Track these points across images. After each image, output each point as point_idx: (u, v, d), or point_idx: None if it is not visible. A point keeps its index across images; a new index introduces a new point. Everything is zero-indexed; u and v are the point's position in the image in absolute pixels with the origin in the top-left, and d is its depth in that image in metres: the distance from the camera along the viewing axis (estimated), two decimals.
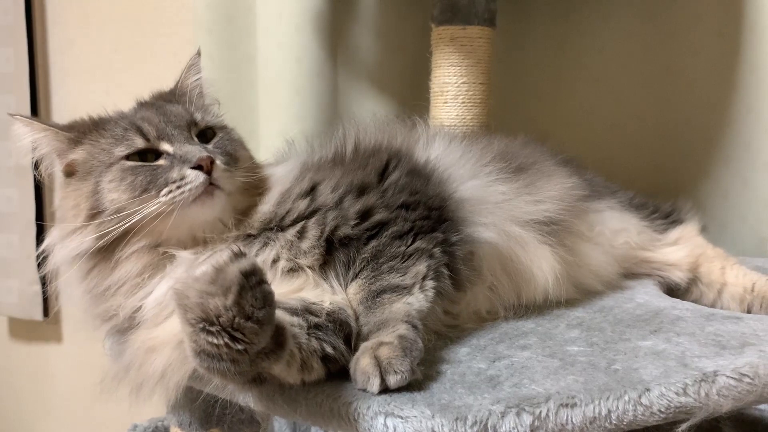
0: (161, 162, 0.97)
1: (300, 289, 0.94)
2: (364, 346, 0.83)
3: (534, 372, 0.88)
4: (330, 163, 1.09)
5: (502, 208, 1.10)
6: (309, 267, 0.96)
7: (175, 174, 0.94)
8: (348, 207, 0.98)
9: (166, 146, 0.98)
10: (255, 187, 1.03)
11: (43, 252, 1.00)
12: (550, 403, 0.79)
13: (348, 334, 0.88)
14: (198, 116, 1.05)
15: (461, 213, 1.04)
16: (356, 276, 0.96)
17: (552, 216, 1.15)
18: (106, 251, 0.95)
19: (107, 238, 0.93)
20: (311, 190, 1.01)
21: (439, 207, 1.02)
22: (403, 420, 0.75)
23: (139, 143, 0.98)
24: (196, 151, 0.95)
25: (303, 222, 0.98)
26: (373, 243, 0.97)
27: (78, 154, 1.00)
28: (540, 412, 0.78)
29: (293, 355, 0.79)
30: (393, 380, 0.78)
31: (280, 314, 0.79)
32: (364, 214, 0.98)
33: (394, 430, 0.75)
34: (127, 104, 1.08)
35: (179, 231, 0.95)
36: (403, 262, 0.96)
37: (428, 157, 1.11)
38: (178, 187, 0.92)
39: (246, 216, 1.00)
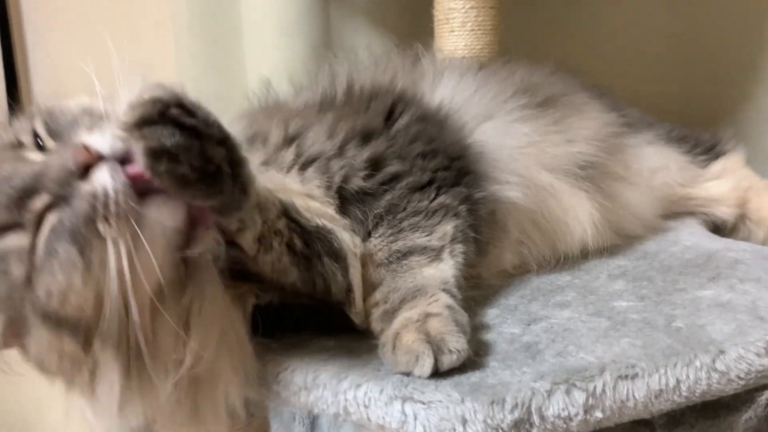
0: (53, 216, 0.66)
1: (306, 199, 0.83)
2: (404, 318, 0.74)
3: (579, 336, 0.78)
4: (316, 108, 0.99)
5: (527, 153, 1.02)
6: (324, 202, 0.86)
7: (83, 204, 0.65)
8: (354, 155, 0.89)
9: (33, 202, 0.67)
10: None
11: None
12: (605, 375, 0.69)
13: (336, 252, 0.80)
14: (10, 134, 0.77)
15: (482, 167, 0.97)
16: (371, 234, 0.87)
17: (587, 158, 1.06)
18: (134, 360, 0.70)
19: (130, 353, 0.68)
20: (294, 138, 0.90)
21: (459, 157, 0.94)
22: (426, 406, 0.65)
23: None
24: (61, 158, 0.67)
25: (297, 169, 0.87)
26: (388, 196, 0.88)
27: None
28: (594, 388, 0.68)
29: (253, 220, 0.72)
30: (447, 360, 0.68)
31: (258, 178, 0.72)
32: (375, 164, 0.89)
33: (415, 418, 0.65)
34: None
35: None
36: (428, 220, 0.88)
37: (441, 100, 1.03)
38: (106, 207, 0.65)
39: None
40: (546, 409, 0.65)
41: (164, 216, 0.66)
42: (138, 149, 0.61)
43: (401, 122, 0.95)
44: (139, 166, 0.62)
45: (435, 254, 0.85)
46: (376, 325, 0.80)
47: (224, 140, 0.65)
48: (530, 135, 1.03)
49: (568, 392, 0.67)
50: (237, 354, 0.75)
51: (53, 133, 0.73)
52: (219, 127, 0.65)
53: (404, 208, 0.88)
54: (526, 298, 0.93)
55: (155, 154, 0.60)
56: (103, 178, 0.65)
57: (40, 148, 0.72)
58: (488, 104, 1.04)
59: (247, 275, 0.79)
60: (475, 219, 0.92)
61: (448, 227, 0.88)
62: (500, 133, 1.02)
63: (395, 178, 0.89)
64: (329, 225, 0.81)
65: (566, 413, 0.66)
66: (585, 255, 1.07)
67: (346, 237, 0.83)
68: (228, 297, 0.76)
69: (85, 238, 0.64)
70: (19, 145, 0.73)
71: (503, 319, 0.85)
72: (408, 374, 0.69)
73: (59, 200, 0.65)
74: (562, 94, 1.15)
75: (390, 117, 0.96)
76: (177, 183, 0.61)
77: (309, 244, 0.78)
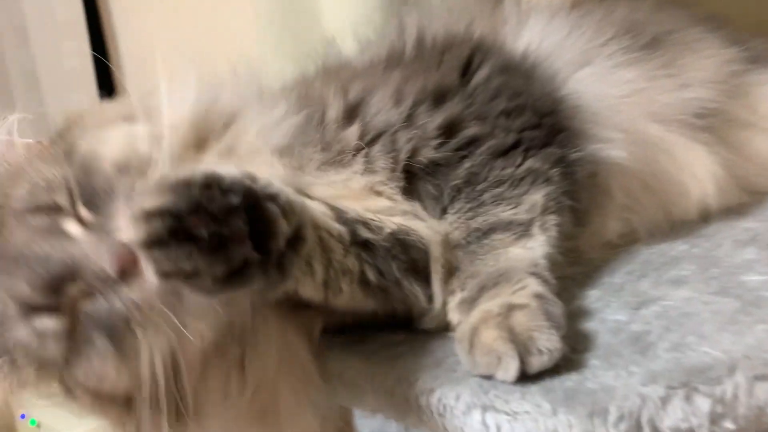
0: (89, 304, 0.66)
1: (372, 199, 0.78)
2: (483, 311, 0.66)
3: (700, 322, 0.67)
4: (382, 66, 0.90)
5: (632, 103, 0.92)
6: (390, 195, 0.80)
7: (121, 306, 0.64)
8: (425, 121, 0.80)
9: (70, 288, 0.65)
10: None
11: None
12: (736, 375, 0.57)
13: (415, 261, 0.73)
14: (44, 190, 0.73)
15: (578, 123, 0.87)
16: (446, 210, 0.79)
17: (704, 104, 0.95)
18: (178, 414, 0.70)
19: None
20: (356, 108, 0.81)
21: (550, 112, 0.85)
22: (511, 417, 0.57)
23: (33, 302, 0.67)
24: (97, 253, 0.65)
25: (363, 152, 0.79)
26: (467, 164, 0.79)
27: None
28: (723, 393, 0.56)
29: (312, 270, 0.66)
30: (536, 362, 0.60)
31: (315, 210, 0.67)
32: (449, 129, 0.80)
33: (498, 430, 0.57)
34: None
35: None
36: (513, 189, 0.79)
37: (527, 46, 0.94)
38: (144, 315, 0.65)
39: None
40: (660, 421, 0.54)
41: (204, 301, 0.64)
42: (149, 269, 0.56)
43: (480, 75, 0.86)
44: None
45: (522, 230, 0.77)
46: (452, 316, 0.72)
47: (261, 225, 0.59)
48: (635, 81, 0.93)
49: (688, 398, 0.55)
50: (301, 384, 0.72)
51: (89, 201, 0.68)
52: (248, 196, 0.58)
53: (485, 178, 0.79)
54: (633, 274, 0.82)
55: (170, 276, 0.56)
56: (143, 288, 0.63)
57: (77, 214, 0.68)
58: (584, 48, 0.94)
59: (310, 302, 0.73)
60: (570, 184, 0.83)
61: (537, 196, 0.79)
62: (599, 82, 0.92)
63: (474, 142, 0.81)
64: (404, 223, 0.75)
65: (686, 425, 0.55)
66: (705, 218, 0.96)
67: (423, 228, 0.76)
68: (289, 326, 0.73)
69: (121, 334, 0.64)
70: (56, 209, 0.69)
71: (606, 303, 0.74)
72: (489, 377, 0.61)
73: (96, 291, 0.64)
74: (671, 31, 1.03)
75: (467, 71, 0.87)
76: (198, 290, 0.58)
77: (383, 272, 0.71)
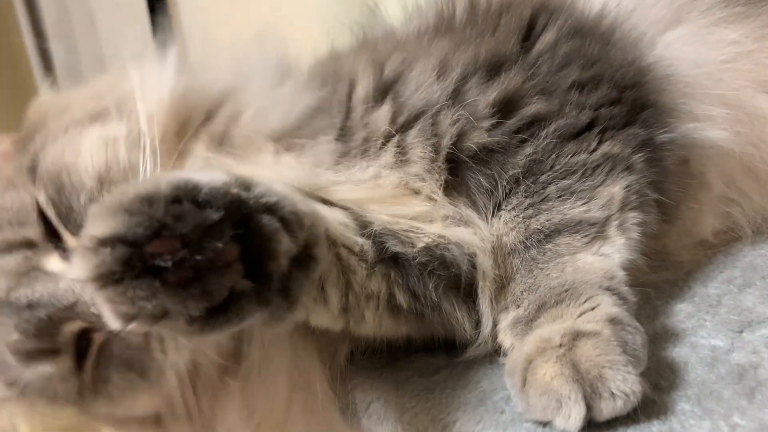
0: (100, 338, 0.64)
1: (406, 201, 0.68)
2: (541, 338, 0.57)
3: None
4: (429, 35, 0.81)
5: (735, 69, 0.80)
6: (430, 194, 0.70)
7: (134, 337, 0.63)
8: (475, 98, 0.70)
9: (67, 327, 0.63)
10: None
11: None
12: None
13: (458, 278, 0.65)
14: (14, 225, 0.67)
15: (668, 97, 0.77)
16: (499, 206, 0.70)
17: None
18: None
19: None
20: (390, 86, 0.72)
21: (633, 84, 0.74)
22: None
23: (29, 349, 0.64)
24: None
25: (395, 140, 0.69)
26: (528, 150, 0.69)
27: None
28: None
29: (325, 297, 0.60)
30: (608, 409, 0.51)
31: (331, 221, 0.60)
32: (506, 106, 0.70)
33: None
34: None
35: None
36: (585, 180, 0.69)
37: (603, 3, 0.82)
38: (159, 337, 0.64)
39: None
40: None
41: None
42: (105, 311, 0.45)
43: (545, 41, 0.75)
44: None
45: (596, 231, 0.67)
46: (503, 337, 0.63)
47: (252, 235, 0.49)
48: (740, 43, 0.80)
49: None
50: (315, 415, 0.66)
51: (67, 220, 0.62)
52: (235, 205, 0.47)
53: (551, 166, 0.70)
54: (734, 283, 0.71)
55: (132, 319, 0.45)
56: None
57: (56, 245, 0.63)
58: (673, 4, 0.82)
59: None
60: (657, 173, 0.73)
61: (616, 188, 0.69)
62: (694, 44, 0.81)
63: (537, 122, 0.71)
64: (444, 233, 0.66)
65: None
66: None
67: (468, 237, 0.66)
68: (306, 347, 0.66)
69: (141, 363, 0.62)
70: (28, 245, 0.63)
71: (699, 322, 0.65)
72: (546, 424, 0.53)
73: (98, 326, 0.60)
74: None
75: (529, 35, 0.77)
76: (180, 333, 0.50)
77: (417, 294, 0.64)
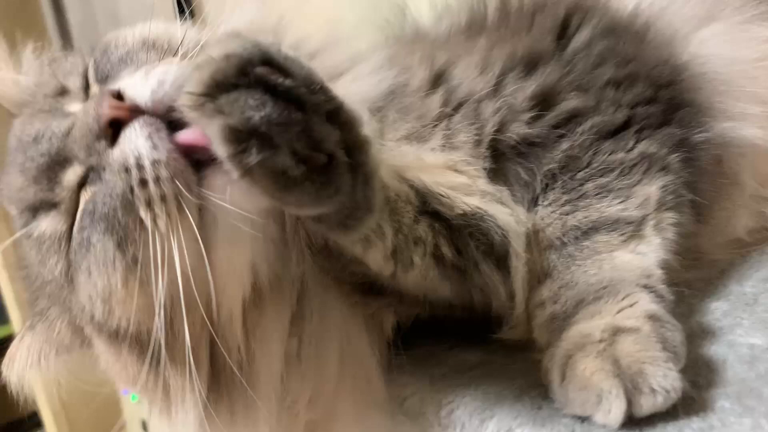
0: (88, 193, 0.55)
1: (447, 175, 0.67)
2: (580, 333, 0.57)
3: None
4: (463, 35, 0.82)
5: None
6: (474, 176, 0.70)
7: (116, 180, 0.52)
8: (514, 91, 0.71)
9: (66, 174, 0.57)
10: None
11: None
12: None
13: (494, 246, 0.65)
14: (62, 76, 0.64)
15: (703, 96, 0.76)
16: (536, 200, 0.70)
17: None
18: (221, 376, 0.59)
19: (193, 368, 0.55)
20: (440, 76, 0.73)
21: (669, 83, 0.74)
22: None
23: (31, 199, 0.58)
24: (84, 113, 0.54)
25: (444, 123, 0.70)
26: (565, 145, 0.69)
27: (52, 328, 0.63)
28: None
29: (380, 231, 0.58)
30: (648, 404, 0.50)
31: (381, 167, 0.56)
32: (545, 100, 0.71)
33: None
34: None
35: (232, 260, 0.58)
36: (622, 179, 0.69)
37: (637, 2, 0.81)
38: (143, 185, 0.51)
39: None
40: None
41: (240, 201, 0.50)
42: (212, 131, 0.43)
43: (580, 39, 0.75)
44: (196, 134, 0.47)
45: (633, 229, 0.66)
46: (539, 334, 0.62)
47: (337, 112, 0.47)
48: None
49: None
50: (363, 394, 0.64)
51: (101, 74, 0.60)
52: (327, 93, 0.47)
53: (588, 163, 0.69)
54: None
55: (239, 137, 0.43)
56: (135, 142, 0.50)
57: (85, 96, 0.60)
58: (706, 2, 0.82)
59: (382, 288, 0.65)
60: (693, 173, 0.72)
61: (652, 188, 0.69)
62: (728, 42, 0.80)
63: (575, 117, 0.71)
64: (481, 206, 0.64)
65: None
66: None
67: (504, 215, 0.66)
68: (356, 318, 0.65)
69: (123, 228, 0.52)
70: (62, 92, 0.61)
71: (736, 320, 0.64)
72: (585, 419, 0.52)
73: (93, 172, 0.54)
74: None
75: (564, 33, 0.77)
76: (273, 182, 0.45)
77: (460, 248, 0.64)
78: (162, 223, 0.50)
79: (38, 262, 0.58)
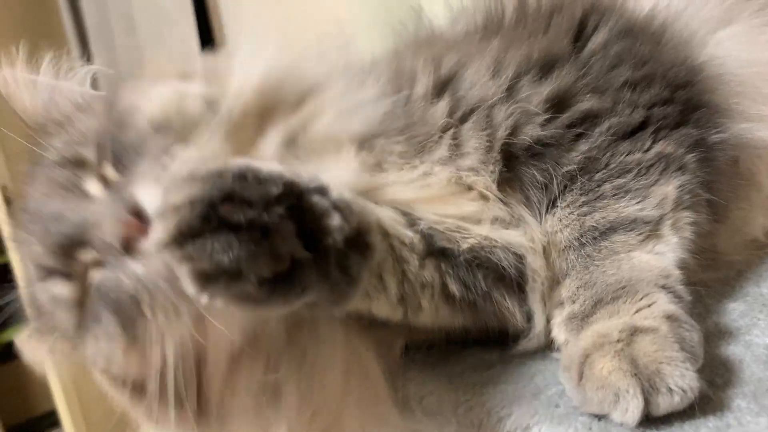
0: (99, 274, 0.60)
1: (454, 202, 0.67)
2: (598, 333, 0.57)
3: None
4: (478, 36, 0.80)
5: None
6: (483, 189, 0.69)
7: (126, 281, 0.57)
8: (528, 94, 0.69)
9: (81, 254, 0.60)
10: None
11: None
12: None
13: (504, 271, 0.65)
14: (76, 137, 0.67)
15: (720, 97, 0.75)
16: (554, 203, 0.69)
17: None
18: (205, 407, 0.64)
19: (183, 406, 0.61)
20: (447, 83, 0.71)
21: (685, 84, 0.73)
22: None
23: (47, 265, 0.64)
24: (105, 218, 0.58)
25: (451, 132, 0.69)
26: (583, 146, 0.68)
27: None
28: None
29: (384, 285, 0.60)
30: (665, 403, 0.51)
31: (383, 215, 0.60)
32: (560, 103, 0.70)
33: None
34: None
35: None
36: (640, 179, 0.68)
37: (653, 4, 0.80)
38: (150, 294, 0.56)
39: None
40: None
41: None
42: (182, 273, 0.47)
43: (596, 41, 0.74)
44: None
45: (650, 229, 0.66)
46: (557, 334, 0.62)
47: (298, 207, 0.50)
48: None
49: None
50: (371, 411, 0.64)
51: (118, 158, 0.62)
52: (290, 190, 0.50)
53: (605, 164, 0.68)
54: None
55: (209, 278, 0.47)
56: (152, 268, 0.54)
57: (102, 173, 0.63)
58: (723, 3, 0.81)
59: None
60: (709, 173, 0.71)
61: (669, 188, 0.68)
62: (746, 44, 0.79)
63: (591, 118, 0.70)
64: (491, 235, 0.65)
65: None
66: None
67: (516, 238, 0.66)
68: (362, 342, 0.65)
69: (127, 314, 0.57)
70: (79, 163, 0.64)
71: (753, 321, 0.64)
72: (602, 417, 0.52)
73: (106, 261, 0.58)
74: None
75: (580, 35, 0.76)
76: (242, 305, 0.49)
77: (468, 284, 0.63)
78: (162, 318, 0.55)
79: (50, 309, 0.63)
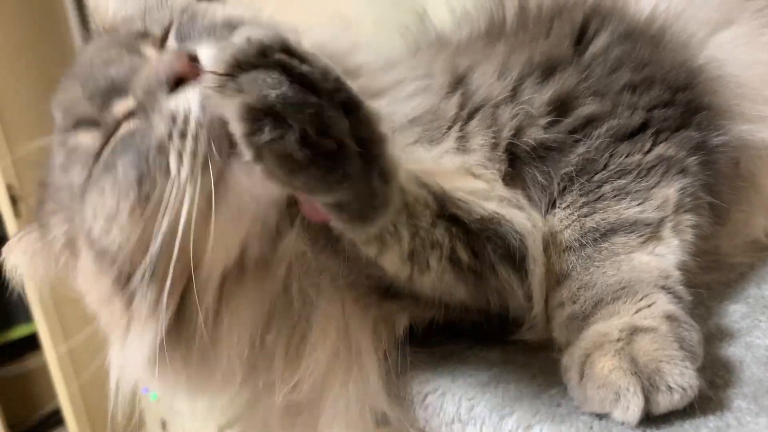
0: (130, 125, 0.59)
1: (466, 179, 0.68)
2: (598, 332, 0.57)
3: None
4: (482, 41, 0.81)
5: None
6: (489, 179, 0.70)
7: (160, 125, 0.56)
8: (531, 96, 0.71)
9: (118, 103, 0.60)
10: None
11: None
12: None
13: (511, 250, 0.65)
14: (149, 22, 0.68)
15: (720, 99, 0.75)
16: (555, 204, 0.70)
17: None
18: (183, 325, 0.62)
19: (163, 305, 0.58)
20: (460, 80, 0.73)
21: (685, 86, 0.73)
22: None
23: (79, 112, 0.63)
24: (158, 61, 0.59)
25: (459, 127, 0.70)
26: (581, 149, 0.69)
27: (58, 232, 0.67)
28: None
29: (396, 234, 0.59)
30: (665, 402, 0.51)
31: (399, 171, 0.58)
32: (562, 106, 0.71)
33: None
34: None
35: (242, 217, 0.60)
36: (640, 181, 0.68)
37: (653, 6, 0.80)
38: (182, 137, 0.55)
39: None
40: None
41: (256, 183, 0.54)
42: (230, 110, 0.46)
43: (597, 44, 0.75)
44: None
45: (651, 231, 0.66)
46: (558, 333, 0.62)
47: (351, 103, 0.49)
48: None
49: None
50: (356, 386, 0.63)
51: (182, 34, 0.64)
52: (342, 84, 0.49)
53: (605, 166, 0.69)
54: None
55: (254, 114, 0.45)
56: (191, 99, 0.54)
57: (163, 44, 0.64)
58: (723, 4, 0.81)
59: (397, 291, 0.65)
60: (710, 175, 0.71)
61: (670, 190, 0.68)
62: (746, 46, 0.79)
63: (591, 121, 0.70)
64: (499, 211, 0.64)
65: None
66: None
67: (521, 219, 0.65)
68: (366, 319, 0.65)
69: (149, 166, 0.56)
70: (144, 35, 0.65)
71: (754, 322, 0.63)
72: (603, 416, 0.52)
73: (141, 110, 0.57)
74: None
75: (581, 39, 0.76)
76: (280, 166, 0.47)
77: (477, 252, 0.63)
78: (185, 173, 0.54)
79: (61, 168, 0.62)
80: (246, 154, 0.46)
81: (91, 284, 0.63)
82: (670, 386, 0.50)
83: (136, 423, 0.72)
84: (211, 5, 0.70)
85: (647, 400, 0.50)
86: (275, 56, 0.47)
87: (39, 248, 0.68)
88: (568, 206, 0.68)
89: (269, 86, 0.46)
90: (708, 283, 0.69)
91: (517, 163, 0.69)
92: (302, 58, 0.47)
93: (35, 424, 2.75)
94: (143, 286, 0.58)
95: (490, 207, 0.64)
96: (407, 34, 0.91)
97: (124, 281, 0.59)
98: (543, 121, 0.69)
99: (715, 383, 0.54)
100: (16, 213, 2.21)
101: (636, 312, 0.57)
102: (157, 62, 0.58)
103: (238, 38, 0.48)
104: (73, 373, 2.38)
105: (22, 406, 2.75)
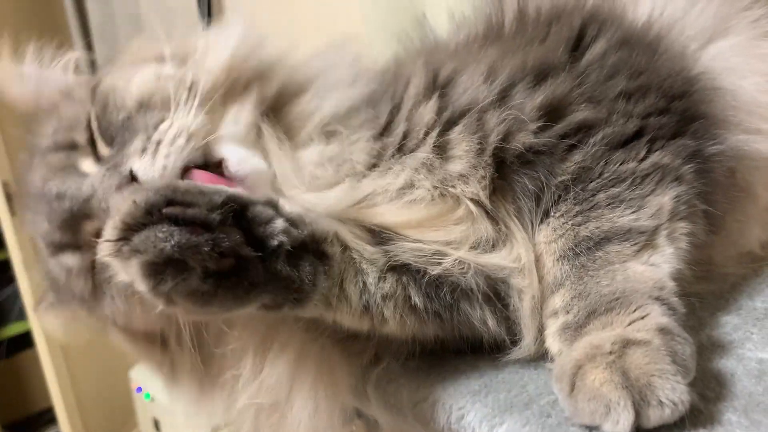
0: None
1: (442, 224, 0.68)
2: (590, 344, 0.56)
3: None
4: (478, 43, 0.80)
5: None
6: (471, 199, 0.68)
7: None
8: (522, 101, 0.69)
9: (87, 224, 0.67)
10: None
11: None
12: None
13: (468, 293, 0.65)
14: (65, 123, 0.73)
15: (716, 108, 0.74)
16: (547, 213, 0.68)
17: None
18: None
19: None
20: (440, 86, 0.72)
21: (681, 94, 0.72)
22: None
23: (56, 240, 0.70)
24: (101, 183, 0.66)
25: (438, 134, 0.69)
26: (576, 156, 0.68)
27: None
28: None
29: (345, 294, 0.62)
30: (656, 416, 0.50)
31: (342, 228, 0.63)
32: (553, 111, 0.69)
33: None
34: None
35: None
36: (635, 189, 0.67)
37: (650, 13, 0.80)
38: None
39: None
40: None
41: None
42: (132, 270, 0.51)
43: (594, 51, 0.73)
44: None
45: (646, 239, 0.65)
46: (551, 343, 0.61)
47: (240, 208, 0.54)
48: None
49: None
50: (326, 390, 0.66)
51: (106, 134, 0.68)
52: (229, 198, 0.54)
53: (600, 174, 0.68)
54: None
55: (154, 268, 0.50)
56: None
57: (93, 151, 0.69)
58: (719, 14, 0.79)
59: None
60: (705, 184, 0.70)
61: (665, 198, 0.67)
62: (742, 56, 0.78)
63: (585, 128, 0.69)
64: (469, 259, 0.65)
65: None
66: None
67: (500, 260, 0.66)
68: (336, 353, 0.68)
69: None
70: (72, 146, 0.70)
71: (746, 334, 0.63)
72: (593, 428, 0.52)
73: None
74: None
75: (578, 45, 0.75)
76: (192, 302, 0.52)
77: (432, 296, 0.64)
78: None
79: (65, 280, 0.68)
80: (157, 305, 0.51)
81: (129, 348, 0.73)
82: (661, 401, 0.50)
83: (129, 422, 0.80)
84: (106, 77, 0.73)
85: (638, 414, 0.50)
86: (162, 211, 0.51)
87: (68, 321, 0.75)
88: (562, 215, 0.67)
89: (162, 240, 0.50)
90: (700, 293, 0.69)
91: (505, 170, 0.68)
92: (188, 203, 0.52)
93: (28, 421, 2.75)
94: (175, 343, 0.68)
95: (459, 254, 0.64)
96: (406, 40, 0.89)
97: (156, 342, 0.69)
98: (533, 126, 0.68)
99: (706, 396, 0.53)
100: (12, 211, 2.21)
101: (629, 324, 0.56)
102: (100, 186, 0.64)
103: (124, 203, 0.52)
104: (66, 371, 2.38)
105: (15, 404, 2.75)
